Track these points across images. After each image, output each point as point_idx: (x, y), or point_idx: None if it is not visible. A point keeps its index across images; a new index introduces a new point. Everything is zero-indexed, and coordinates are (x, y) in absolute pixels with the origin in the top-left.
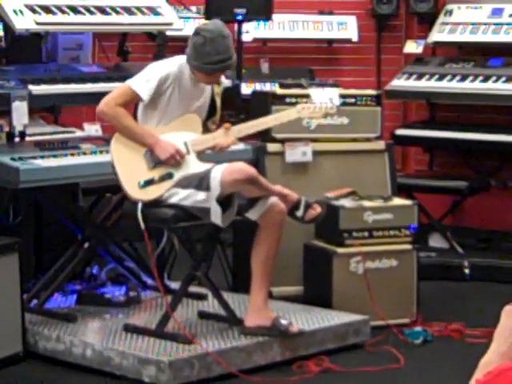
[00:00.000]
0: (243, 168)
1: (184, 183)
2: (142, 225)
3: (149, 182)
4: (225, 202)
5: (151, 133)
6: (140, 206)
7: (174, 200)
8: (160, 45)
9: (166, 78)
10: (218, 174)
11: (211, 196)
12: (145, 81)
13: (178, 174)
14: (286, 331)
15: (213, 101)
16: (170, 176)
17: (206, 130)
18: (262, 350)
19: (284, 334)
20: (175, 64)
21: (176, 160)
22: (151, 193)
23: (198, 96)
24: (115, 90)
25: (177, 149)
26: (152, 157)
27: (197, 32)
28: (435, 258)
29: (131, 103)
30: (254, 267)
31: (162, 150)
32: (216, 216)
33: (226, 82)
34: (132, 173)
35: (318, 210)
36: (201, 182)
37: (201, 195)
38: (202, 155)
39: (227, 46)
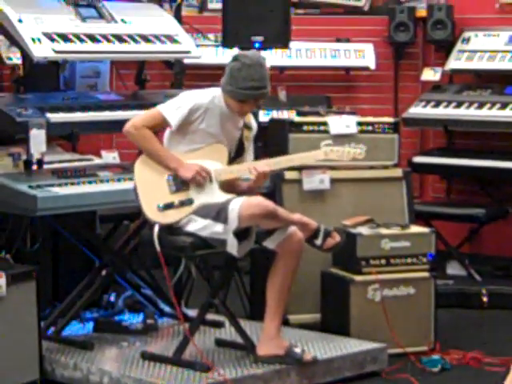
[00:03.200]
0: (261, 203)
1: (202, 212)
2: (158, 247)
3: (168, 206)
4: (242, 231)
5: (176, 157)
6: (157, 229)
7: (191, 228)
8: (178, 73)
9: (197, 109)
10: (236, 207)
11: (228, 229)
12: (175, 108)
13: (199, 201)
14: (300, 360)
15: (241, 142)
16: (190, 202)
17: None
18: (280, 378)
19: (298, 362)
20: (208, 96)
21: (201, 176)
22: (169, 217)
23: (226, 131)
24: (145, 112)
25: (201, 166)
26: (174, 181)
27: (235, 58)
28: (453, 285)
29: (159, 128)
30: (268, 296)
31: (186, 169)
32: (232, 247)
33: (255, 127)
34: (152, 195)
35: (336, 238)
36: (219, 213)
37: (218, 227)
38: (224, 186)
39: (263, 75)
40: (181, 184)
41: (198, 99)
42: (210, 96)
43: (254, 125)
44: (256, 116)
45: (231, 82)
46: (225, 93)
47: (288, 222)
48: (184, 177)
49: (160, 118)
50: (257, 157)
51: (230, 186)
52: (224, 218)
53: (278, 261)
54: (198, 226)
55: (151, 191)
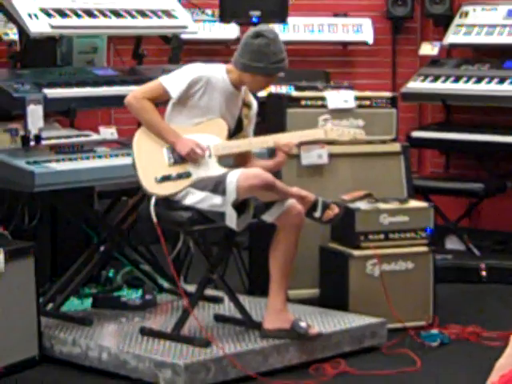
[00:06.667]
0: (259, 174)
1: (200, 185)
2: (154, 219)
3: (166, 178)
4: (240, 205)
5: (174, 130)
6: (153, 200)
7: (188, 201)
8: (175, 48)
9: (198, 80)
10: (234, 178)
11: (227, 201)
12: (176, 79)
13: (196, 175)
14: (306, 334)
15: (240, 120)
16: (187, 175)
17: None
18: (279, 353)
19: (303, 336)
20: (212, 70)
21: (197, 154)
22: (166, 189)
23: (227, 108)
24: (147, 84)
25: (197, 143)
26: (173, 154)
27: (259, 34)
28: (452, 260)
29: (160, 99)
30: (272, 270)
31: (183, 145)
32: (231, 220)
33: (255, 105)
34: (150, 166)
35: (335, 210)
36: (217, 185)
37: (216, 199)
38: (223, 160)
39: (283, 47)
40: (179, 157)
41: (200, 72)
42: (214, 71)
43: (254, 103)
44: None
45: (262, 59)
46: (251, 71)
47: (286, 194)
48: (179, 152)
49: (161, 88)
50: (255, 132)
51: (243, 162)
52: (222, 190)
53: (279, 234)
54: (196, 198)
55: (149, 162)
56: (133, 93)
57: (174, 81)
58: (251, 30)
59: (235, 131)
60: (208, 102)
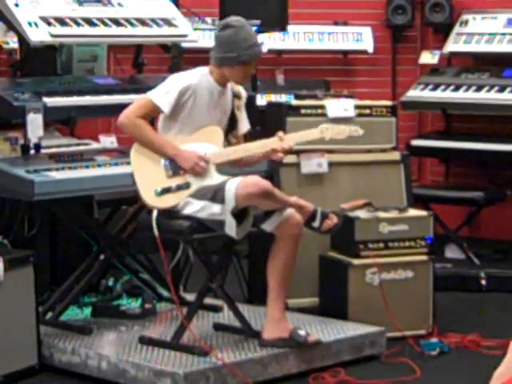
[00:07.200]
0: (258, 182)
1: (199, 194)
2: (156, 232)
3: (165, 191)
4: (240, 214)
5: (172, 144)
6: (155, 213)
7: (188, 211)
8: (175, 56)
9: (185, 90)
10: (233, 186)
11: (226, 209)
12: (165, 93)
13: (196, 185)
14: (305, 342)
15: (233, 114)
16: (187, 186)
17: (226, 143)
18: (278, 362)
19: (302, 344)
20: (195, 75)
21: (200, 167)
22: (167, 201)
23: (218, 108)
24: (136, 101)
25: (199, 156)
26: (171, 166)
27: (224, 26)
28: (451, 269)
29: (152, 115)
30: (270, 279)
31: (185, 159)
32: (230, 229)
33: (244, 94)
34: (149, 180)
35: (334, 220)
36: (215, 194)
37: (215, 208)
38: (221, 168)
39: (254, 32)
40: (177, 168)
41: (186, 80)
42: (198, 75)
43: (243, 92)
44: (254, 100)
45: (233, 49)
46: (228, 63)
47: (285, 203)
48: (182, 167)
49: (151, 105)
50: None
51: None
52: (221, 199)
53: (277, 244)
54: (195, 207)
55: (148, 177)
56: (124, 113)
57: (163, 95)
58: (219, 23)
59: (230, 126)
60: (199, 108)
